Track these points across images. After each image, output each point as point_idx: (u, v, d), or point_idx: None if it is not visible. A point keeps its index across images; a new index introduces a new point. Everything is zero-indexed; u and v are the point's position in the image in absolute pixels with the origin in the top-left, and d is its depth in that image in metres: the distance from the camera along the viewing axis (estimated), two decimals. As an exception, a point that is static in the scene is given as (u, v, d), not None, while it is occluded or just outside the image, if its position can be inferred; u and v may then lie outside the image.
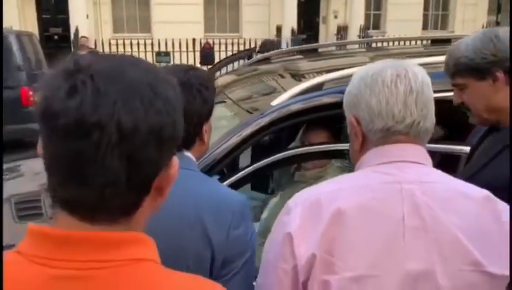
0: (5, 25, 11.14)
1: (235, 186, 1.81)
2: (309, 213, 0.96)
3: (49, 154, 0.61)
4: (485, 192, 0.99)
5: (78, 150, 0.58)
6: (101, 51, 11.18)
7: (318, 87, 2.06)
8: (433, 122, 1.03)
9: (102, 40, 11.85)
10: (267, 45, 10.73)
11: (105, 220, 0.62)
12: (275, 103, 1.99)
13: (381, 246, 0.92)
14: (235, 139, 1.84)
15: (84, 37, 9.90)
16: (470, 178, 1.43)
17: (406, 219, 0.93)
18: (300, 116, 1.98)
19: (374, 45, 4.26)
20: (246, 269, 1.18)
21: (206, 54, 11.25)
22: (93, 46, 10.96)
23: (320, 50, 3.80)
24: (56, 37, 13.09)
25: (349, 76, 1.68)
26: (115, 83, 0.60)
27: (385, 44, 4.91)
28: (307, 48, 4.48)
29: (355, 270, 0.91)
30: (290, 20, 13.74)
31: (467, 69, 1.38)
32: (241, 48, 12.38)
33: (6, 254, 0.63)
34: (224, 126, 2.15)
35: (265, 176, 2.48)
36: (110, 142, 0.58)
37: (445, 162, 1.56)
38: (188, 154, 1.29)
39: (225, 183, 1.76)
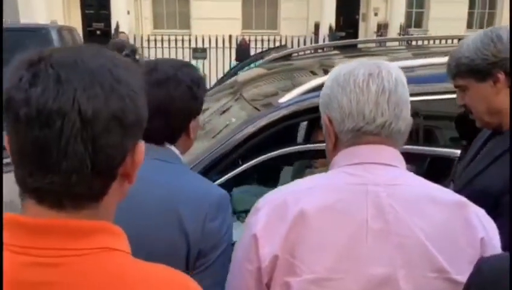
0: (49, 19, 11.60)
1: (236, 180, 1.83)
2: (274, 214, 0.95)
3: (15, 145, 0.62)
4: (458, 197, 0.96)
5: (41, 138, 0.59)
6: (140, 46, 11.42)
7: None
8: (408, 123, 0.99)
9: (142, 35, 12.09)
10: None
11: (72, 207, 0.63)
12: (282, 100, 1.99)
13: (343, 249, 0.90)
14: (238, 136, 1.85)
15: (123, 32, 10.13)
16: (468, 182, 1.38)
17: (369, 221, 0.90)
18: (304, 115, 1.97)
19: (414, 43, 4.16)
20: (220, 262, 1.18)
21: (242, 50, 11.26)
22: (132, 42, 11.22)
23: (359, 47, 3.74)
24: (98, 32, 13.48)
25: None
26: (75, 71, 0.60)
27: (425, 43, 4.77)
28: (327, 45, 4.42)
29: (315, 272, 0.90)
30: (329, 17, 13.58)
31: (467, 70, 1.33)
32: (278, 44, 12.34)
33: None
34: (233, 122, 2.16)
35: (276, 171, 2.48)
36: (73, 129, 0.59)
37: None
38: (171, 147, 1.31)
39: (227, 176, 1.79)
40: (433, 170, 1.70)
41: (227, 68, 10.80)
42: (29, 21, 11.41)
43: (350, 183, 0.95)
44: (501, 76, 1.28)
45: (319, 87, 1.99)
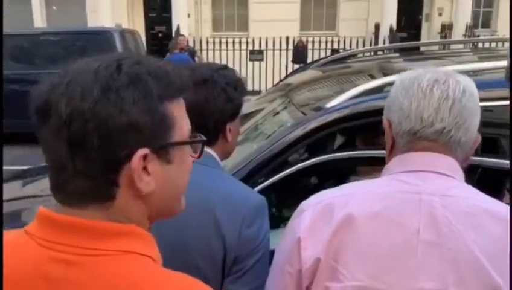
0: (113, 22, 12.10)
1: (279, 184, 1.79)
2: (320, 216, 0.94)
3: None
4: (501, 209, 0.89)
5: (41, 135, 0.65)
6: (199, 48, 11.65)
7: (377, 90, 1.96)
8: (470, 136, 0.94)
9: (201, 38, 12.33)
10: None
11: (78, 204, 0.65)
12: (332, 103, 1.93)
13: (390, 258, 0.86)
14: (286, 139, 1.81)
15: (182, 35, 10.36)
16: None
17: (421, 231, 0.86)
18: (358, 119, 1.90)
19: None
20: (257, 269, 1.17)
21: (299, 52, 11.22)
22: (191, 44, 11.48)
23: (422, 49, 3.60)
24: (160, 34, 13.90)
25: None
26: (67, 75, 0.65)
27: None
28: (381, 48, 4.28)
29: (358, 280, 0.87)
30: (390, 17, 13.17)
31: None
32: (336, 46, 12.17)
33: (15, 231, 0.69)
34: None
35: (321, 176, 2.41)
36: (55, 128, 0.62)
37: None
38: (208, 150, 1.30)
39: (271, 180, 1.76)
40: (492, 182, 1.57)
41: (283, 70, 10.81)
42: (95, 24, 11.99)
43: (402, 191, 0.91)
44: None
45: (374, 91, 1.95)
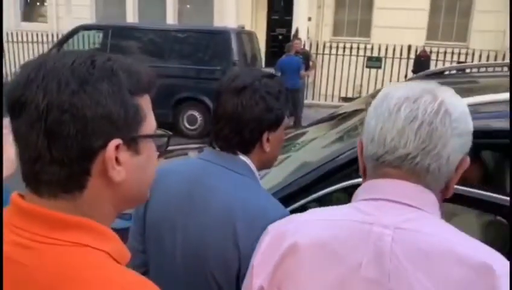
0: (237, 22, 12.57)
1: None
2: (272, 243, 0.91)
3: None
4: (484, 258, 0.75)
5: (15, 128, 0.68)
6: (315, 52, 11.60)
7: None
8: (442, 163, 0.82)
9: (318, 42, 12.27)
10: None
11: (47, 194, 0.69)
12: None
13: None
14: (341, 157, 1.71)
15: (298, 39, 10.39)
16: None
17: (363, 266, 0.78)
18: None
19: None
20: None
21: (421, 62, 10.59)
22: (307, 48, 11.49)
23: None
24: (280, 37, 14.12)
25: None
26: (41, 70, 0.67)
27: None
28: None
29: None
30: (531, 30, 11.84)
31: None
32: (464, 58, 11.28)
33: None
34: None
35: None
36: (31, 120, 0.65)
37: None
38: (243, 158, 1.28)
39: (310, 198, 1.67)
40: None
41: (402, 80, 10.29)
42: (221, 23, 12.60)
43: (354, 221, 0.83)
44: None
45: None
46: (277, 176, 1.96)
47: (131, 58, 0.76)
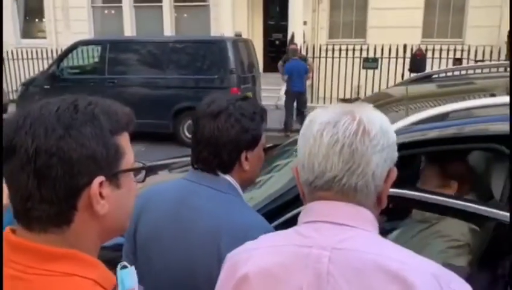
0: (234, 29, 12.68)
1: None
2: (227, 273, 0.96)
3: None
4: (413, 276, 0.78)
5: (7, 170, 0.75)
6: (312, 56, 11.68)
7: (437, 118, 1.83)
8: (369, 178, 0.86)
9: (314, 45, 12.34)
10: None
11: (38, 229, 0.76)
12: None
13: None
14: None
15: (294, 44, 10.50)
16: None
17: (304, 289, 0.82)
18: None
19: None
20: None
21: (417, 61, 10.63)
22: (306, 51, 11.59)
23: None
24: (277, 42, 14.20)
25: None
26: (28, 118, 0.75)
27: None
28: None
29: None
30: (525, 24, 11.86)
31: None
32: (460, 54, 11.31)
33: None
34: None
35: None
36: (22, 163, 0.73)
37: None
38: (225, 177, 1.36)
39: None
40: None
41: (399, 79, 10.33)
42: (217, 31, 12.72)
43: (295, 245, 0.87)
44: None
45: (428, 120, 1.82)
46: (279, 181, 2.02)
47: (109, 100, 0.84)
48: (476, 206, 1.44)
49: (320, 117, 0.91)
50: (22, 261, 0.74)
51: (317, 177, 0.89)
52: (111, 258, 2.14)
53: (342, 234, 0.86)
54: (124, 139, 0.83)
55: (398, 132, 1.71)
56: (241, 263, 0.93)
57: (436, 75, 3.07)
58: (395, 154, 0.93)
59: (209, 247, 1.26)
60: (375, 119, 0.90)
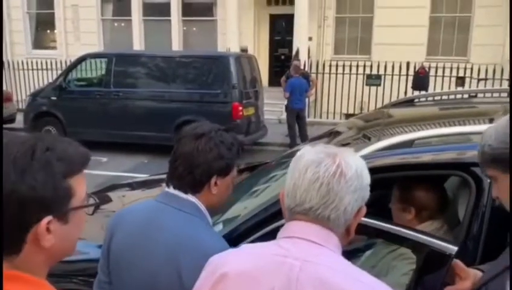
0: (241, 44, 12.88)
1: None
2: (208, 272, 1.12)
3: None
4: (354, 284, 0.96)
5: None
6: (314, 72, 11.81)
7: (408, 144, 1.93)
8: (340, 213, 1.04)
9: (318, 61, 12.48)
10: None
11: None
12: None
13: None
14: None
15: (298, 60, 10.65)
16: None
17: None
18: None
19: None
20: None
21: (420, 78, 10.72)
22: (312, 67, 11.75)
23: None
24: (283, 57, 14.37)
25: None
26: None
27: None
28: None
29: None
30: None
31: (491, 159, 1.18)
32: (463, 73, 11.39)
33: None
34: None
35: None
36: None
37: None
38: (193, 199, 1.47)
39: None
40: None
41: (402, 96, 10.42)
42: (224, 45, 12.92)
43: (274, 254, 1.04)
44: None
45: (401, 145, 1.92)
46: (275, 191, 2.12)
47: (68, 141, 0.95)
48: (406, 231, 1.54)
49: (307, 155, 1.09)
50: None
51: (297, 205, 1.06)
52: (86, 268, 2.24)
53: (312, 250, 1.02)
54: (76, 180, 0.92)
55: (364, 158, 1.84)
56: (222, 264, 1.09)
57: (420, 99, 3.16)
58: (366, 195, 1.09)
59: (170, 264, 1.37)
60: (352, 163, 1.06)
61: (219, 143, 1.46)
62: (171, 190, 1.50)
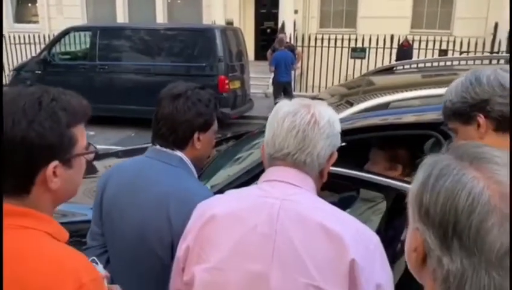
0: (225, 17, 12.80)
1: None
2: (198, 215, 1.22)
3: None
4: (343, 231, 1.05)
5: None
6: (300, 45, 11.83)
7: (383, 106, 2.05)
8: (314, 157, 1.16)
9: (304, 34, 12.49)
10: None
11: (7, 195, 0.96)
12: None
13: (233, 246, 1.11)
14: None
15: (283, 33, 10.66)
16: None
17: (258, 226, 1.10)
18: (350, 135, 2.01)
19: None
20: None
21: (403, 51, 10.84)
22: (298, 40, 11.75)
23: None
24: (268, 30, 14.34)
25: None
26: (4, 107, 0.94)
27: None
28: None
29: (210, 262, 1.13)
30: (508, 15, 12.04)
31: (452, 113, 1.31)
32: (446, 46, 11.52)
33: None
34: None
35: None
36: None
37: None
38: (176, 153, 1.57)
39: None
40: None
41: (386, 69, 10.51)
42: (209, 18, 12.83)
43: (256, 195, 1.16)
44: (480, 119, 1.23)
45: (379, 107, 2.04)
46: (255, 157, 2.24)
47: (70, 93, 1.04)
48: (380, 178, 1.67)
49: (284, 107, 1.20)
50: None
51: (276, 151, 1.17)
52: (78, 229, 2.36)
53: (290, 190, 1.14)
54: (78, 129, 1.02)
55: (342, 120, 1.96)
56: (210, 207, 1.20)
57: (401, 67, 3.28)
58: (338, 142, 1.21)
59: (159, 211, 1.47)
60: (325, 113, 1.18)
61: (196, 101, 1.55)
62: (158, 147, 1.59)
